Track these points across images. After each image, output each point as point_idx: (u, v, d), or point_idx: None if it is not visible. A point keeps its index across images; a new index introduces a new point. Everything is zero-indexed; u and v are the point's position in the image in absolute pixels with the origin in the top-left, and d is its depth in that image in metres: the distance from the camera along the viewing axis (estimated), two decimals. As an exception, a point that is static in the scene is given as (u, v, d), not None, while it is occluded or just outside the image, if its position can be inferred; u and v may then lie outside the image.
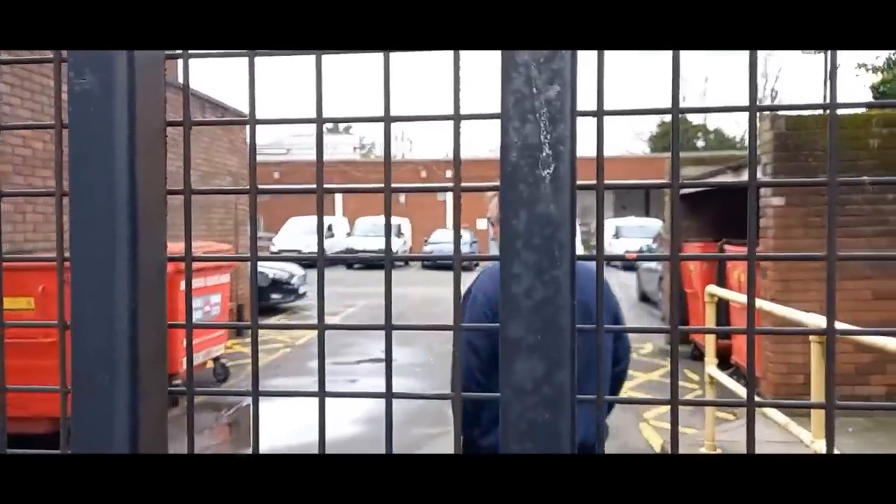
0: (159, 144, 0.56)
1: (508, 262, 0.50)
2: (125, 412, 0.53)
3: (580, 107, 0.50)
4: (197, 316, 8.07)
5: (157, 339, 0.57)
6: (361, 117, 0.75)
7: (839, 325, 3.43)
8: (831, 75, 0.57)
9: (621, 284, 18.46)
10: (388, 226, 0.71)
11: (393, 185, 0.65)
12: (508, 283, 0.50)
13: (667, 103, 0.63)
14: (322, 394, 0.65)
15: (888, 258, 0.51)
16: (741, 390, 5.51)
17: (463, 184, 0.56)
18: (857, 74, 13.33)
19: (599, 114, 0.53)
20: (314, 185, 0.70)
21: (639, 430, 6.51)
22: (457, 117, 0.55)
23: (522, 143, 0.49)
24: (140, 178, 0.51)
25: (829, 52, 0.59)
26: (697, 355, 8.42)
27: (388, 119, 0.60)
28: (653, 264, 13.09)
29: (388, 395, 0.61)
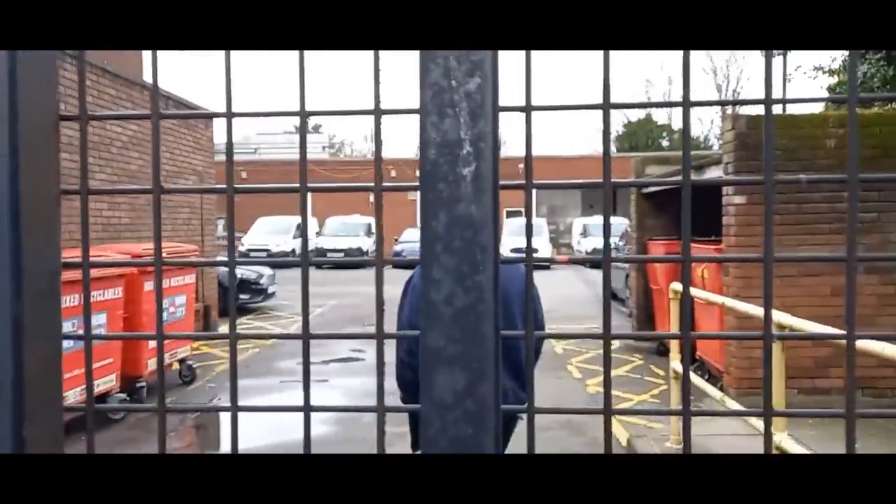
0: (51, 141, 0.52)
1: (428, 267, 0.47)
2: (7, 436, 0.48)
3: (512, 101, 0.48)
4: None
5: (49, 353, 0.52)
6: (279, 111, 0.72)
7: (803, 322, 3.47)
8: (766, 72, 0.55)
9: (589, 282, 18.63)
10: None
11: (310, 185, 0.61)
12: (428, 290, 0.47)
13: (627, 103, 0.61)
14: (307, 408, 0.60)
15: (822, 259, 0.50)
16: (706, 386, 5.59)
17: (385, 183, 0.53)
18: (814, 77, 13.65)
19: (527, 109, 0.51)
20: (297, 184, 0.65)
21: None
22: (377, 112, 0.52)
23: (441, 140, 0.46)
24: (25, 178, 0.47)
25: (767, 51, 0.57)
26: (663, 350, 8.54)
27: (303, 113, 0.57)
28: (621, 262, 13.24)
29: (307, 409, 0.57)
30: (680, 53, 0.57)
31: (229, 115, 0.67)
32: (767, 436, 0.63)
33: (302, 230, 0.68)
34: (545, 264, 24.29)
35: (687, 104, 0.53)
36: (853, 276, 0.54)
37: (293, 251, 25.58)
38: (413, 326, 2.41)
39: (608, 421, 0.60)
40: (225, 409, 0.65)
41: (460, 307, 0.47)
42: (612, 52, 0.52)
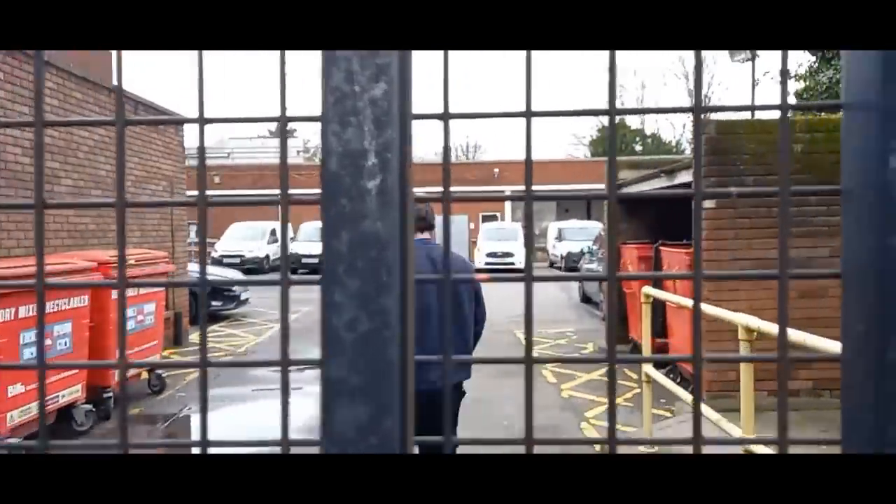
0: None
1: (330, 290, 0.43)
2: None
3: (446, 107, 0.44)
4: (130, 326, 7.71)
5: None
6: (252, 118, 0.67)
7: (772, 326, 3.48)
8: (696, 75, 0.53)
9: (564, 286, 18.71)
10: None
11: (291, 195, 0.57)
12: (329, 315, 0.43)
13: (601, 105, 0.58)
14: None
15: (753, 277, 0.47)
16: (678, 389, 5.62)
17: (291, 192, 0.49)
18: (780, 81, 13.86)
19: (445, 117, 0.47)
20: (272, 193, 0.59)
21: (580, 430, 6.58)
22: (283, 119, 0.48)
23: (344, 150, 0.43)
24: None
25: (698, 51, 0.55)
26: (636, 354, 8.60)
27: (201, 121, 0.53)
28: (595, 265, 13.31)
29: (203, 443, 0.53)
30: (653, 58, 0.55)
31: (201, 120, 0.60)
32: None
33: (281, 245, 0.59)
34: (521, 268, 24.39)
35: (613, 112, 0.51)
36: (785, 293, 0.52)
37: (267, 257, 25.32)
38: None
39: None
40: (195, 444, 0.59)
41: (364, 333, 0.43)
42: (531, 53, 0.49)
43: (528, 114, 0.50)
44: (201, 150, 0.62)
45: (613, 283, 0.65)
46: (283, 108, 0.55)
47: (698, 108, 0.51)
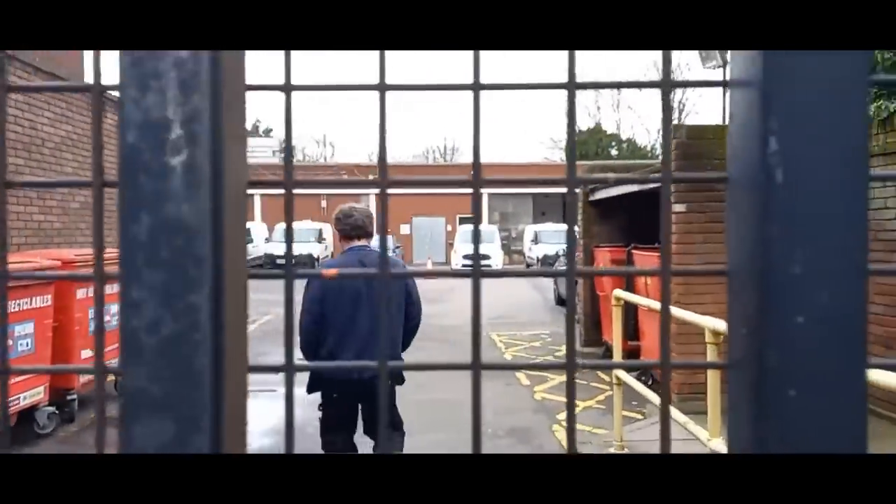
0: None
1: (128, 286, 0.37)
2: None
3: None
4: (96, 325, 7.51)
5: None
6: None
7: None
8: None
9: (540, 287, 18.75)
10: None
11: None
12: (127, 316, 0.37)
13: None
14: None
15: (720, 273, 0.43)
16: (648, 392, 5.63)
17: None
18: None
19: (287, 89, 0.42)
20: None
21: (552, 433, 6.56)
22: (97, 87, 0.42)
23: (144, 119, 0.37)
24: None
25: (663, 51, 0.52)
26: (609, 357, 8.62)
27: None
28: (569, 268, 13.34)
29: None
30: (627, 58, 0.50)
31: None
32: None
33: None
34: (497, 270, 24.31)
35: (666, 84, 0.46)
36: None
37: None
38: (315, 301, 3.73)
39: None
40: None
41: (168, 336, 0.37)
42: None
43: (476, 86, 0.45)
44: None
45: (572, 278, 0.61)
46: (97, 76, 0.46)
47: (665, 83, 0.46)
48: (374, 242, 4.32)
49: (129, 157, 0.36)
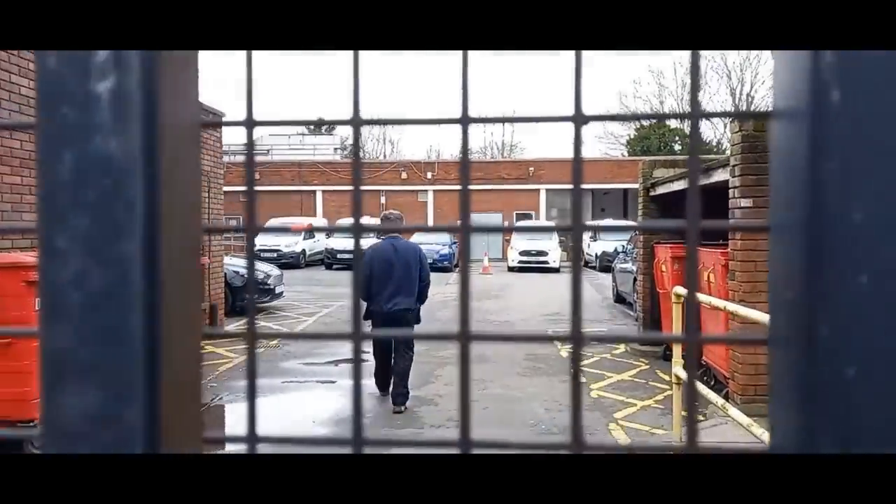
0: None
1: (49, 233, 0.33)
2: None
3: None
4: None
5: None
6: (298, 121, 0.58)
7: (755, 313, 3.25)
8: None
9: (598, 286, 18.39)
10: None
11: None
12: (48, 267, 0.32)
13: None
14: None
15: (762, 229, 0.37)
16: (707, 392, 5.41)
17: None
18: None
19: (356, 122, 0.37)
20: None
21: (608, 431, 6.41)
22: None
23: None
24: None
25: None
26: (669, 355, 8.34)
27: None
28: (629, 265, 13.02)
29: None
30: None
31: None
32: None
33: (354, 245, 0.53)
34: (555, 267, 24.01)
35: (579, 119, 0.40)
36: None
37: (303, 252, 25.64)
38: (366, 264, 6.30)
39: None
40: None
41: (95, 291, 0.32)
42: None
43: (465, 120, 0.41)
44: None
45: (579, 234, 0.57)
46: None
47: (694, 115, 0.40)
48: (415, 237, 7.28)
49: (50, 84, 0.31)
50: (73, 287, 0.31)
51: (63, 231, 0.31)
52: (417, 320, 6.64)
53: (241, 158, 26.16)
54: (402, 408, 6.58)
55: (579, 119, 0.48)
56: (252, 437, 0.40)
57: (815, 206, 0.29)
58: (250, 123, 0.44)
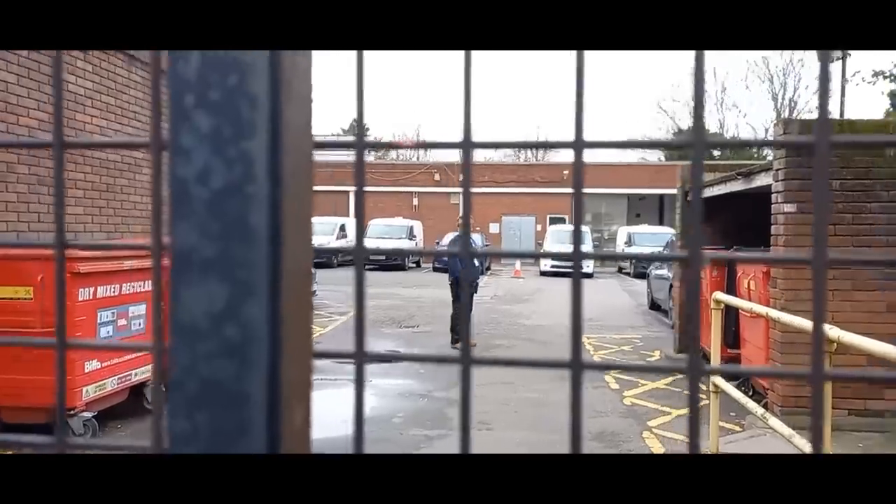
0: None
1: (175, 131, 0.33)
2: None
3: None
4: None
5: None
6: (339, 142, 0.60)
7: (854, 337, 3.22)
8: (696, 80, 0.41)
9: (633, 292, 18.16)
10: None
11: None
12: (175, 164, 0.33)
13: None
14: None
15: (783, 261, 0.36)
16: (747, 401, 5.29)
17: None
18: (873, 82, 13.02)
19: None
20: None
21: (642, 439, 6.31)
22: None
23: None
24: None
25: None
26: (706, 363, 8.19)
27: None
28: (664, 272, 12.82)
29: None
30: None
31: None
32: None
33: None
34: (588, 272, 23.75)
35: (701, 143, 0.39)
36: (822, 282, 0.40)
37: (336, 251, 25.94)
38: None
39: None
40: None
41: (219, 188, 0.33)
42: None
43: (468, 144, 0.41)
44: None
45: (579, 261, 0.56)
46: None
47: (699, 142, 0.39)
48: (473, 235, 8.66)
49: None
50: (197, 184, 0.32)
51: (189, 129, 0.31)
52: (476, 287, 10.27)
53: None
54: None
55: (580, 145, 0.47)
56: (360, 354, 0.40)
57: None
58: (361, 145, 0.44)
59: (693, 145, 0.40)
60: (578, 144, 0.45)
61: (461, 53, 0.42)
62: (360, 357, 0.41)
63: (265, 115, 0.31)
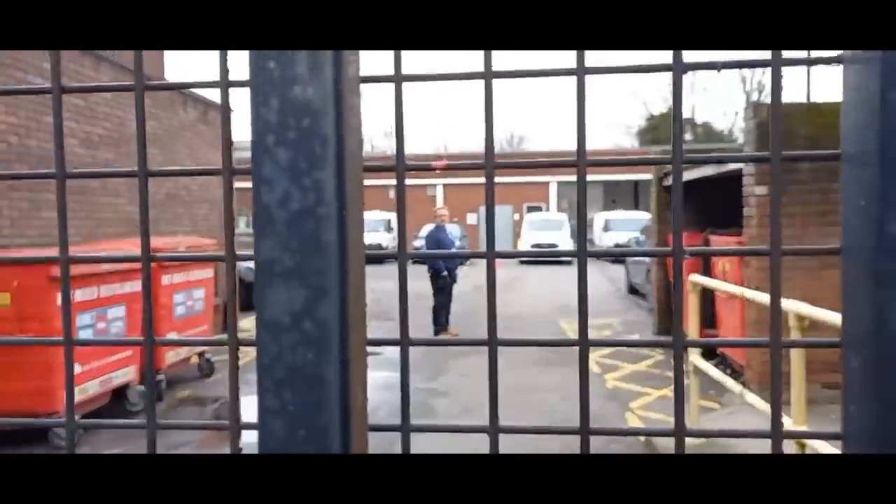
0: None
1: (259, 164, 0.40)
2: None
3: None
4: (179, 311, 7.91)
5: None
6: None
7: (831, 314, 3.32)
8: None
9: (611, 278, 18.40)
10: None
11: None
12: (259, 192, 0.40)
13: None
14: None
15: (742, 253, 0.42)
16: (725, 378, 5.45)
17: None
18: (838, 63, 13.29)
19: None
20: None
21: (625, 420, 6.46)
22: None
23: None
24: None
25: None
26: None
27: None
28: (643, 257, 13.04)
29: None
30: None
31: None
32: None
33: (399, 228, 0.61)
34: (567, 259, 24.03)
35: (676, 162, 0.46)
36: (777, 269, 0.47)
37: (378, 246, 26.20)
38: (432, 242, 10.58)
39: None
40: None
41: (296, 211, 0.40)
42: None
43: (490, 165, 0.48)
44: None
45: (584, 259, 0.63)
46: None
47: (676, 161, 0.46)
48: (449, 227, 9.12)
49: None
50: (278, 207, 0.38)
51: (271, 162, 0.38)
52: (455, 279, 10.68)
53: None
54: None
55: (583, 162, 0.53)
56: (405, 341, 0.47)
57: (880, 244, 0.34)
58: (402, 168, 0.50)
59: (672, 162, 0.46)
60: (581, 161, 0.51)
61: (465, 67, 0.47)
62: (405, 343, 0.47)
63: (332, 151, 0.37)
